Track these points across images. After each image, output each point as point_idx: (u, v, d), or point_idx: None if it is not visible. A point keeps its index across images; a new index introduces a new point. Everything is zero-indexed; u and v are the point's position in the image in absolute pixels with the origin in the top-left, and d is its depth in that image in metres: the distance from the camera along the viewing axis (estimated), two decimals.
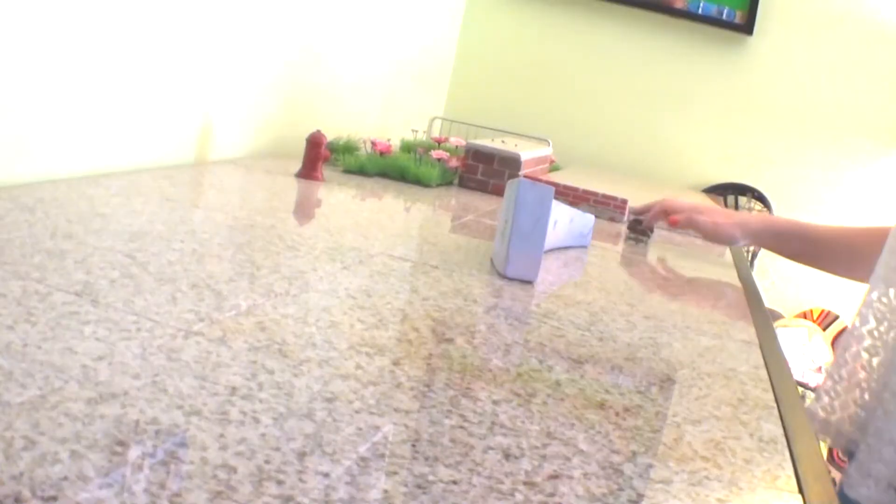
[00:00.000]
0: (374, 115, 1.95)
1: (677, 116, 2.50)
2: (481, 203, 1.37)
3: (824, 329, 2.49)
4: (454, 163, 1.55)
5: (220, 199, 1.10)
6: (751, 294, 1.06)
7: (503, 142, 1.59)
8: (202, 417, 0.43)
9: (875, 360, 0.74)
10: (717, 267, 1.23)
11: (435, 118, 2.03)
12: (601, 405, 0.57)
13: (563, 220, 1.05)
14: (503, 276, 0.87)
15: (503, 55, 2.58)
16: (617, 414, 0.55)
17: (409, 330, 0.66)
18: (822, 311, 2.52)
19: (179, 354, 0.51)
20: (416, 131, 1.85)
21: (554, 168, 1.86)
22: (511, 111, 2.49)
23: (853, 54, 2.38)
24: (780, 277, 2.58)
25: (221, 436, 0.42)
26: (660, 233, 1.42)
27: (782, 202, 2.52)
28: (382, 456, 0.43)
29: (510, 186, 0.91)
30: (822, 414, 0.76)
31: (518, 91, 2.56)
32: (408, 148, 1.68)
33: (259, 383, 0.49)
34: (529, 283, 0.87)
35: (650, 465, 0.48)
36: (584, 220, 1.11)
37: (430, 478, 0.42)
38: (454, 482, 0.42)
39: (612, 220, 1.42)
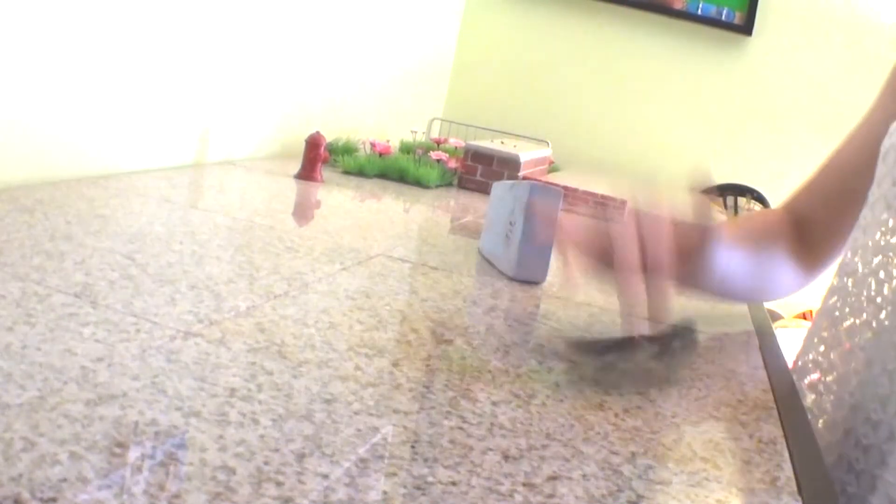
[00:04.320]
0: (374, 117, 1.95)
1: (677, 117, 2.50)
2: (481, 204, 1.37)
3: None
4: (453, 164, 1.55)
5: (220, 200, 1.10)
6: None
7: (502, 143, 1.59)
8: (201, 419, 0.43)
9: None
10: None
11: (434, 119, 2.03)
12: (600, 406, 0.57)
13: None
14: (503, 277, 0.87)
15: (503, 56, 2.58)
16: (616, 415, 0.55)
17: (409, 331, 0.66)
18: None
19: (178, 356, 0.51)
20: (416, 132, 1.85)
21: (553, 169, 1.86)
22: (510, 112, 2.49)
23: (853, 55, 2.38)
24: None
25: (220, 437, 0.42)
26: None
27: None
28: (382, 457, 0.43)
29: (504, 187, 0.91)
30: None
31: (517, 92, 2.56)
32: (407, 149, 1.68)
33: (258, 384, 0.49)
34: (532, 283, 0.87)
35: (649, 466, 0.48)
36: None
37: (430, 479, 0.42)
38: (453, 483, 0.42)
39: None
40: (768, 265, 0.84)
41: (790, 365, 0.80)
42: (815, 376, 0.75)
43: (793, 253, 0.85)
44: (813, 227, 0.86)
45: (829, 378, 0.73)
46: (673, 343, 0.66)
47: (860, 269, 0.72)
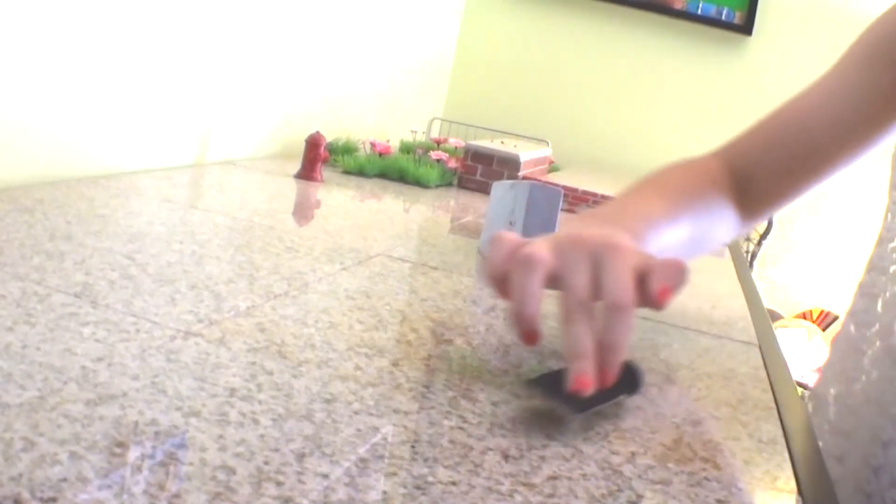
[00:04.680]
0: (374, 116, 1.95)
1: (676, 117, 2.50)
2: (480, 204, 1.37)
3: (824, 329, 2.49)
4: (453, 163, 1.55)
5: (220, 200, 1.10)
6: (750, 294, 1.06)
7: (502, 143, 1.59)
8: (201, 419, 0.43)
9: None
10: (717, 267, 1.23)
11: (434, 119, 2.03)
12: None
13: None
14: None
15: (503, 56, 2.58)
16: (616, 414, 0.55)
17: (409, 331, 0.66)
18: (822, 311, 2.53)
19: (178, 356, 0.51)
20: (416, 132, 1.85)
21: (553, 169, 1.86)
22: (510, 112, 2.49)
23: None
24: (779, 278, 2.58)
25: (220, 437, 0.42)
26: None
27: None
28: (382, 457, 0.43)
29: (504, 187, 0.91)
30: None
31: (517, 92, 2.56)
32: (407, 149, 1.68)
33: (258, 384, 0.49)
34: None
35: (649, 466, 0.48)
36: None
37: (430, 479, 0.42)
38: (453, 483, 0.42)
39: None
40: (706, 224, 0.77)
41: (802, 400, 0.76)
42: (835, 409, 0.72)
43: (730, 205, 0.80)
44: (754, 180, 0.81)
45: (852, 416, 0.69)
46: (619, 397, 0.56)
47: (885, 289, 0.68)
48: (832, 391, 0.73)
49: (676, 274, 0.53)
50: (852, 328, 0.73)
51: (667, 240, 0.67)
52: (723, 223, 0.80)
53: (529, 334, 0.53)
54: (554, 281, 0.53)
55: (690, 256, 0.74)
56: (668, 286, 0.53)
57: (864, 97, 0.75)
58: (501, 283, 0.55)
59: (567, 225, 0.60)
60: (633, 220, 0.64)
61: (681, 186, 0.76)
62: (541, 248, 0.53)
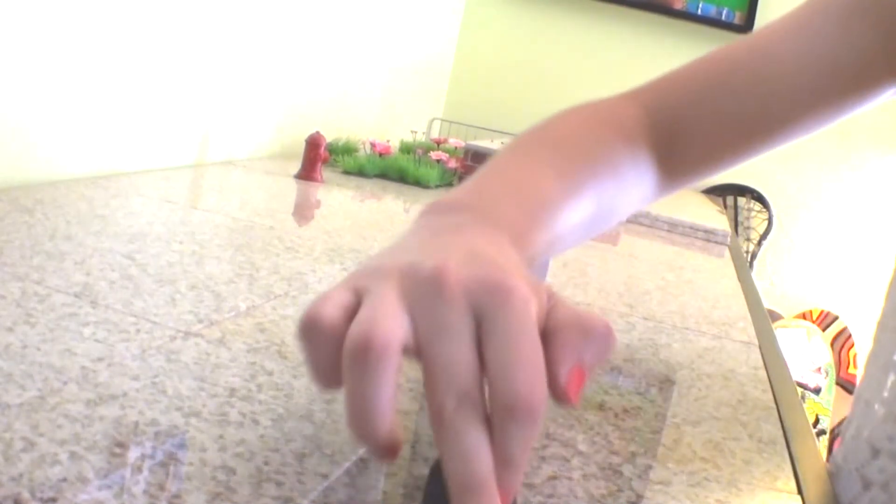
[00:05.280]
0: (374, 117, 1.95)
1: None
2: None
3: (823, 330, 2.49)
4: (453, 164, 1.55)
5: (220, 200, 1.10)
6: (750, 294, 1.06)
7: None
8: (201, 419, 0.43)
9: None
10: (717, 267, 1.24)
11: (434, 119, 2.03)
12: (600, 406, 0.57)
13: None
14: None
15: (503, 56, 2.58)
16: (616, 415, 0.55)
17: None
18: (822, 311, 2.53)
19: (178, 356, 0.51)
20: (416, 132, 1.85)
21: None
22: (510, 112, 2.49)
23: None
24: (779, 278, 2.58)
25: (220, 437, 0.42)
26: (659, 233, 1.42)
27: (781, 202, 2.52)
28: None
29: None
30: None
31: (517, 92, 2.56)
32: (407, 149, 1.68)
33: (258, 384, 0.49)
34: None
35: (649, 466, 0.48)
36: None
37: None
38: None
39: None
40: (612, 194, 0.59)
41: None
42: (861, 483, 0.59)
43: (646, 166, 0.62)
44: (683, 137, 0.63)
45: (884, 493, 0.57)
46: None
47: None
48: (860, 462, 0.61)
49: (597, 348, 0.34)
50: (892, 377, 0.61)
51: (564, 224, 0.52)
52: (635, 190, 0.62)
53: (387, 450, 0.34)
54: (411, 351, 0.34)
55: (592, 235, 0.61)
56: (584, 370, 0.34)
57: (840, 55, 0.61)
58: (333, 381, 0.34)
59: (420, 236, 0.41)
60: (516, 211, 0.47)
61: (581, 143, 0.58)
62: (385, 315, 0.33)
